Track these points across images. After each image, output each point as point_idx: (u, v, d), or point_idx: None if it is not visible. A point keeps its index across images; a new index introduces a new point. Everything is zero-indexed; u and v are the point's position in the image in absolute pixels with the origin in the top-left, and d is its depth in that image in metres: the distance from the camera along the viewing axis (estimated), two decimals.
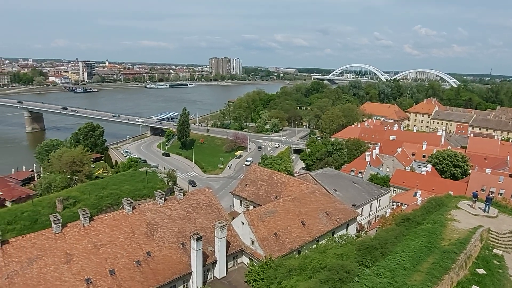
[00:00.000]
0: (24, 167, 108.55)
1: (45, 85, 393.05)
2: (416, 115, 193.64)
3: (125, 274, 35.70)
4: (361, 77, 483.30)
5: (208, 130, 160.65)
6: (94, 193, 71.61)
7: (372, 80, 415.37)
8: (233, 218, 48.67)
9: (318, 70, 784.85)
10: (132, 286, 35.09)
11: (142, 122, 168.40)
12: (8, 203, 77.17)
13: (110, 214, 40.84)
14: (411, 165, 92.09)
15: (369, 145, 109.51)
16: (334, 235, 47.22)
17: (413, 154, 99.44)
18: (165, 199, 44.57)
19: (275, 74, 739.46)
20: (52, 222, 35.63)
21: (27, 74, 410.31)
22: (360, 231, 61.36)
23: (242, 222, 44.71)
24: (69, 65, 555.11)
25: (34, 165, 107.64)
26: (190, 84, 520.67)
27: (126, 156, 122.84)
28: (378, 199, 70.60)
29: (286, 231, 45.56)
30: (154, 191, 47.37)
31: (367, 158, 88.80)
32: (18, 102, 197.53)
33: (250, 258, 43.56)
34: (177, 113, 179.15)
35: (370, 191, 70.84)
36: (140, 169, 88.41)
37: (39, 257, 33.36)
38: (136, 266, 36.73)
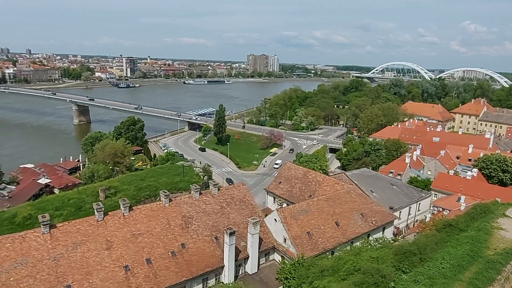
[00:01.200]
0: (71, 157, 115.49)
1: (91, 80, 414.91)
2: (462, 116, 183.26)
3: (160, 263, 36.92)
4: (403, 75, 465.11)
5: (244, 127, 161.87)
6: (133, 184, 74.51)
7: (415, 79, 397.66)
8: (266, 215, 48.74)
9: (358, 67, 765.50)
10: (167, 276, 36.22)
11: (180, 117, 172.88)
12: (56, 190, 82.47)
13: (148, 205, 42.36)
14: (455, 168, 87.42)
15: (409, 146, 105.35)
16: (370, 237, 45.94)
17: (457, 157, 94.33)
18: (200, 193, 45.50)
19: (313, 71, 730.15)
20: (95, 210, 37.56)
21: (76, 69, 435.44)
22: (397, 235, 59.27)
23: (275, 220, 44.66)
24: (114, 61, 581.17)
25: (80, 155, 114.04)
26: (227, 81, 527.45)
27: (164, 149, 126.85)
28: (418, 203, 67.73)
29: (320, 230, 44.95)
30: (190, 185, 48.44)
31: (407, 160, 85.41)
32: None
33: (282, 256, 43.46)
34: (214, 109, 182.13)
35: (409, 194, 68.10)
36: (177, 163, 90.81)
37: (83, 242, 35.30)
38: (171, 256, 37.84)
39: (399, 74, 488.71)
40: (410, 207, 66.05)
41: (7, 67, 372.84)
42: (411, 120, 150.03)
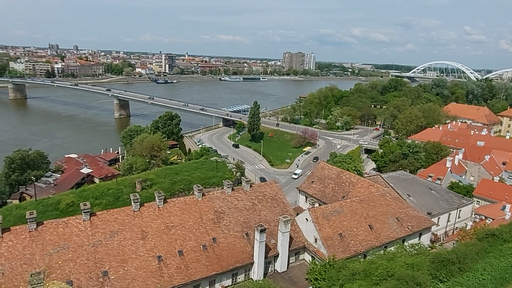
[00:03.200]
0: (111, 149, 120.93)
1: (132, 76, 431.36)
2: (510, 120, 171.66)
3: (192, 256, 37.73)
4: (446, 75, 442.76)
5: (278, 124, 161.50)
6: (168, 178, 76.57)
7: (459, 79, 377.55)
8: (297, 214, 48.38)
9: (397, 66, 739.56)
10: (198, 268, 36.96)
11: (215, 113, 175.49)
12: (96, 180, 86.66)
13: (182, 199, 43.40)
14: (500, 175, 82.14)
15: (451, 150, 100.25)
16: (405, 243, 44.27)
17: (503, 163, 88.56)
18: (233, 189, 45.93)
19: (350, 70, 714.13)
20: (132, 201, 39.01)
21: (118, 65, 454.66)
22: (434, 242, 56.79)
23: (307, 219, 44.21)
24: (154, 58, 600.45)
25: (119, 147, 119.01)
26: (262, 78, 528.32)
27: (198, 145, 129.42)
28: (458, 210, 64.39)
29: (352, 233, 43.96)
30: (223, 180, 49.05)
31: (448, 164, 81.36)
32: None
33: (312, 256, 42.96)
34: (248, 106, 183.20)
35: (449, 200, 64.89)
36: (211, 158, 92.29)
37: (120, 231, 36.80)
38: (202, 250, 38.55)
39: (442, 74, 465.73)
40: (449, 214, 62.96)
41: (56, 62, 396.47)
42: (454, 122, 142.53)
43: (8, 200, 76.71)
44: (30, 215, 34.06)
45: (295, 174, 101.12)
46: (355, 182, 56.79)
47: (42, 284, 26.35)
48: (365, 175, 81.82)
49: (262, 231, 38.15)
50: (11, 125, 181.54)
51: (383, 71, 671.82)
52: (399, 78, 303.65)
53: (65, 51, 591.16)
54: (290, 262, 43.39)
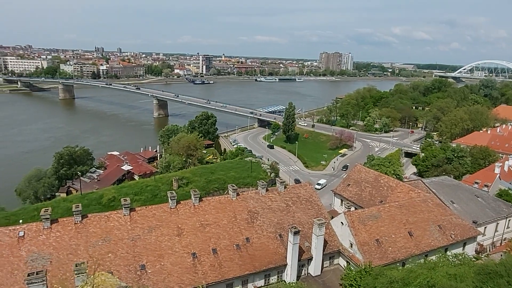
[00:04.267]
0: (150, 147, 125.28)
1: (170, 76, 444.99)
2: None
3: (225, 254, 38.09)
4: (495, 76, 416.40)
5: (313, 126, 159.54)
6: (203, 177, 77.94)
7: (510, 79, 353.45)
8: (332, 217, 47.45)
9: (441, 66, 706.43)
10: (231, 267, 37.25)
11: (251, 114, 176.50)
12: (136, 177, 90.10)
13: (217, 197, 43.99)
14: None
15: (500, 155, 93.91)
16: (447, 252, 42.08)
17: None
18: (267, 190, 45.86)
19: (390, 70, 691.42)
20: (169, 198, 40.08)
21: (157, 66, 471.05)
22: (480, 252, 53.46)
23: (342, 223, 43.19)
24: (191, 59, 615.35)
25: (158, 146, 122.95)
26: (298, 79, 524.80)
27: (234, 145, 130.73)
28: (507, 219, 60.10)
29: (390, 239, 42.38)
30: (257, 181, 49.08)
31: (497, 170, 76.14)
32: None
33: (347, 261, 41.91)
34: (283, 107, 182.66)
35: (497, 208, 60.71)
36: (245, 158, 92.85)
37: (157, 227, 37.94)
38: (236, 249, 38.81)
39: (490, 74, 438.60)
40: (497, 223, 58.90)
41: (101, 64, 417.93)
42: (504, 126, 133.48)
43: (56, 193, 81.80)
44: (76, 208, 35.99)
45: (318, 184, 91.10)
46: (394, 186, 54.74)
47: (85, 273, 27.72)
48: (405, 180, 78.67)
49: (296, 233, 37.75)
50: (63, 123, 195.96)
51: (426, 71, 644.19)
52: (443, 79, 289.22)
53: (110, 54, 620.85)
54: (324, 266, 42.59)
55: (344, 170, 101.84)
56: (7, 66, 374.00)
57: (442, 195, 56.57)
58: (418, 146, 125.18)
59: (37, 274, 26.22)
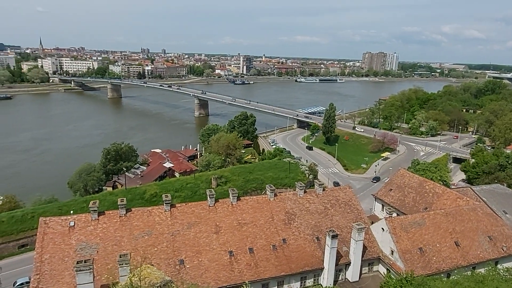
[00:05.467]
0: (190, 146, 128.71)
1: (211, 77, 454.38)
2: None
3: (261, 254, 38.19)
4: None
5: (354, 127, 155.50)
6: (242, 176, 78.77)
7: None
8: (372, 223, 45.98)
9: (496, 67, 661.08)
10: (267, 267, 37.28)
11: (290, 114, 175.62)
12: (176, 174, 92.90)
13: (254, 197, 44.22)
14: None
15: None
16: (498, 265, 39.21)
17: None
18: (305, 191, 45.40)
19: (438, 70, 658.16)
20: (208, 196, 40.91)
21: (199, 67, 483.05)
22: None
23: (383, 229, 41.71)
24: (232, 59, 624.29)
25: (198, 145, 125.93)
26: (339, 80, 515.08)
27: (272, 145, 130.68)
28: None
29: (434, 248, 40.30)
30: (295, 182, 48.77)
31: None
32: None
33: (387, 269, 40.42)
34: (323, 108, 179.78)
35: None
36: (284, 159, 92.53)
37: (196, 223, 38.87)
38: (272, 249, 38.78)
39: None
40: None
41: (147, 65, 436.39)
42: None
43: (103, 187, 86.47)
44: (121, 202, 37.81)
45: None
46: (440, 193, 51.96)
47: (128, 264, 29.07)
48: (453, 187, 74.47)
49: (333, 236, 37.01)
50: (112, 120, 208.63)
51: (478, 71, 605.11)
52: (498, 80, 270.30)
53: (155, 55, 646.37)
54: (363, 272, 41.38)
55: (375, 182, 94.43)
56: (63, 66, 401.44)
57: (493, 204, 52.84)
58: (468, 151, 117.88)
59: (85, 262, 27.91)
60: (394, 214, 46.47)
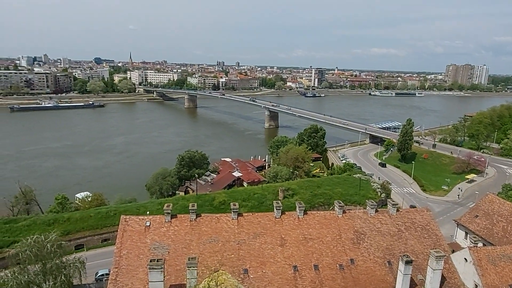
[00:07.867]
0: (259, 156, 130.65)
1: (283, 89, 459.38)
2: None
3: (327, 273, 36.69)
4: None
5: (434, 145, 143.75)
6: (309, 190, 77.40)
7: None
8: (453, 251, 41.59)
9: None
10: (333, 287, 35.67)
11: (363, 129, 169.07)
12: (245, 183, 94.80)
13: (322, 212, 42.92)
14: None
15: None
16: None
17: None
18: (377, 210, 42.79)
19: None
20: (275, 208, 40.74)
21: (271, 79, 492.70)
22: None
23: (466, 259, 37.38)
24: (304, 72, 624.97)
25: (266, 156, 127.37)
26: (418, 94, 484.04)
27: (342, 160, 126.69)
28: None
29: None
30: (366, 200, 46.30)
31: None
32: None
33: None
34: (399, 123, 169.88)
35: None
36: (354, 175, 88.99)
37: (261, 234, 38.90)
38: (339, 269, 37.03)
39: None
40: None
41: (221, 77, 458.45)
42: None
43: (177, 192, 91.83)
44: (192, 207, 39.54)
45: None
46: None
47: (196, 268, 30.13)
48: None
49: (408, 262, 34.08)
50: (190, 128, 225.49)
51: None
52: None
53: (229, 67, 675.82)
54: None
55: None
56: (147, 78, 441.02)
57: None
58: None
59: (157, 261, 29.60)
60: (480, 244, 41.47)
